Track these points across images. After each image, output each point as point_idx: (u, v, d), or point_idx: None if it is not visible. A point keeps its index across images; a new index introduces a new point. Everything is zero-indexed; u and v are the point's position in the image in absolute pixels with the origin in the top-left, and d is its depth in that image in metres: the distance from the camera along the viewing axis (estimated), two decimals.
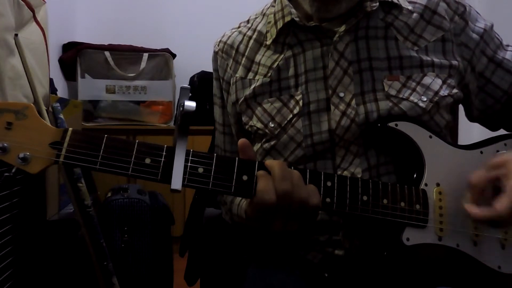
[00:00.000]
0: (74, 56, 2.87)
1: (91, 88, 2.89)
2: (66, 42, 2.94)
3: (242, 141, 0.73)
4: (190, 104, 0.65)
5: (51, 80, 1.94)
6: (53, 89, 2.26)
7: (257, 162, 0.71)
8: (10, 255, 1.50)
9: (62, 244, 1.72)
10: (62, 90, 2.87)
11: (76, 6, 3.17)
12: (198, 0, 3.33)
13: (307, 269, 0.86)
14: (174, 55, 3.04)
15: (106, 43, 3.00)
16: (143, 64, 2.94)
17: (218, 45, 0.98)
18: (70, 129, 0.66)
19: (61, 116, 1.74)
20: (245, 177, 0.69)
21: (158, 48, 3.02)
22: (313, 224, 0.85)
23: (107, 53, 2.91)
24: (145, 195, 2.01)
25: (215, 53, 0.98)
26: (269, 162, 0.70)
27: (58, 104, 1.77)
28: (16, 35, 1.45)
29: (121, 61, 2.94)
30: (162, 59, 2.99)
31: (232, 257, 1.11)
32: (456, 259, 0.76)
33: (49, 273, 1.67)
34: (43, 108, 1.57)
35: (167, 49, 3.03)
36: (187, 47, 3.15)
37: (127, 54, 2.95)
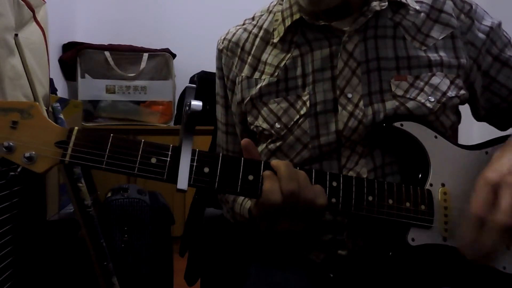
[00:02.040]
0: (74, 56, 2.87)
1: (91, 88, 2.89)
2: (66, 42, 2.94)
3: (245, 140, 0.72)
4: (197, 104, 0.65)
5: (51, 80, 1.94)
6: (53, 89, 2.25)
7: (263, 162, 0.70)
8: (10, 255, 1.49)
9: (62, 244, 1.72)
10: (62, 90, 2.87)
11: (76, 6, 3.17)
12: (198, 0, 3.33)
13: (310, 268, 0.86)
14: (174, 55, 3.04)
15: (106, 43, 2.99)
16: (143, 64, 2.94)
17: (223, 43, 0.96)
18: (76, 128, 0.66)
19: (61, 116, 1.73)
20: (251, 177, 0.69)
21: (158, 48, 3.02)
22: (318, 224, 0.84)
23: (107, 53, 2.90)
24: (145, 195, 2.01)
25: (220, 50, 0.96)
26: (275, 162, 0.70)
27: (58, 104, 1.77)
28: (16, 35, 1.45)
29: (121, 61, 2.93)
30: (162, 59, 2.99)
31: (233, 257, 1.11)
32: (461, 259, 0.76)
33: (49, 273, 1.67)
34: (43, 108, 1.56)
35: (167, 49, 3.03)
36: (187, 47, 3.15)
37: (127, 54, 2.95)
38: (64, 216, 1.83)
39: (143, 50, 2.98)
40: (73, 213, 1.75)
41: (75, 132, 0.65)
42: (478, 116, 0.95)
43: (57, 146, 0.65)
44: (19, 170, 0.64)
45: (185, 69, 3.06)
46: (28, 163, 0.64)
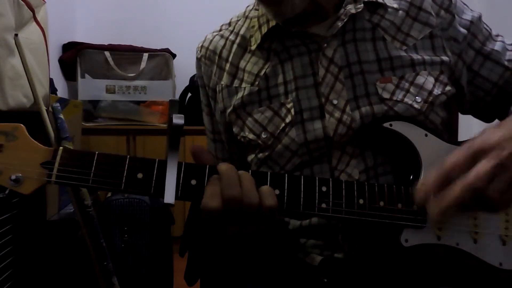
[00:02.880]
0: (74, 56, 2.87)
1: (91, 88, 2.89)
2: (66, 42, 2.94)
3: (193, 147, 0.72)
4: (179, 118, 0.65)
5: (51, 80, 1.94)
6: (53, 89, 2.26)
7: (250, 171, 0.69)
8: (10, 255, 1.49)
9: (62, 244, 1.73)
10: (62, 90, 2.88)
11: (76, 6, 3.17)
12: (198, 0, 3.33)
13: (306, 272, 0.86)
14: (174, 55, 3.04)
15: (106, 43, 3.00)
16: (143, 64, 2.94)
17: (200, 51, 0.95)
18: (61, 148, 0.66)
19: (61, 116, 1.74)
20: None
21: (158, 48, 3.02)
22: (282, 226, 0.84)
23: (107, 53, 2.91)
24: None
25: (198, 59, 0.96)
26: (220, 166, 0.68)
27: (58, 104, 1.77)
28: (16, 35, 1.45)
29: (121, 61, 2.94)
30: (162, 59, 2.99)
31: (233, 257, 1.11)
32: (456, 258, 0.76)
33: (49, 273, 1.67)
34: (43, 108, 1.57)
35: (167, 49, 3.03)
36: (187, 47, 3.14)
37: (127, 54, 2.95)
38: (64, 216, 1.84)
39: (143, 50, 2.99)
40: (73, 213, 1.75)
41: (60, 152, 0.66)
42: (462, 109, 0.94)
43: (43, 166, 0.65)
44: (6, 192, 0.65)
45: (185, 69, 3.06)
46: (15, 185, 0.64)
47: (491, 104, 0.91)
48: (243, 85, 0.87)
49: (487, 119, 0.95)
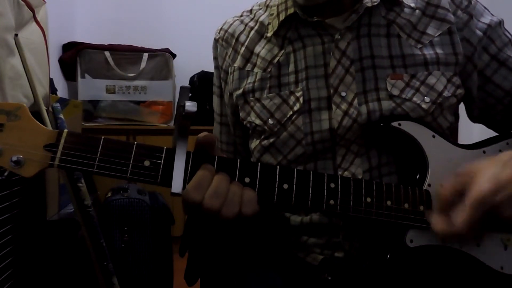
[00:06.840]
0: (74, 56, 2.87)
1: (91, 88, 2.89)
2: (66, 42, 2.94)
3: (203, 136, 0.70)
4: (192, 105, 0.63)
5: (51, 80, 1.94)
6: (53, 89, 2.25)
7: (259, 165, 0.69)
8: (10, 255, 1.49)
9: (62, 244, 1.72)
10: (62, 90, 2.87)
11: (76, 6, 3.17)
12: (198, 0, 3.33)
13: (307, 271, 0.86)
14: (174, 55, 3.04)
15: (106, 43, 2.99)
16: (143, 64, 2.94)
17: (219, 33, 0.97)
18: (66, 130, 0.64)
19: (61, 116, 1.74)
20: (247, 179, 0.68)
21: (158, 48, 3.02)
22: (282, 222, 0.85)
23: (107, 53, 2.91)
24: (145, 195, 2.01)
25: (215, 40, 0.98)
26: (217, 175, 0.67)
27: (58, 104, 1.77)
28: (16, 35, 1.45)
29: (121, 61, 2.93)
30: (162, 59, 2.99)
31: (233, 257, 1.11)
32: (459, 260, 0.76)
33: (49, 273, 1.67)
34: (43, 108, 1.56)
35: (167, 49, 3.03)
36: (187, 47, 3.15)
37: (127, 54, 2.95)
38: (64, 216, 1.83)
39: (143, 50, 2.99)
40: (73, 213, 1.75)
41: (64, 135, 0.64)
42: (472, 116, 0.93)
43: (46, 149, 0.63)
44: (6, 174, 0.62)
45: (185, 69, 3.06)
46: (16, 167, 0.61)
47: (503, 114, 0.90)
48: (255, 69, 0.89)
49: (499, 130, 0.94)
